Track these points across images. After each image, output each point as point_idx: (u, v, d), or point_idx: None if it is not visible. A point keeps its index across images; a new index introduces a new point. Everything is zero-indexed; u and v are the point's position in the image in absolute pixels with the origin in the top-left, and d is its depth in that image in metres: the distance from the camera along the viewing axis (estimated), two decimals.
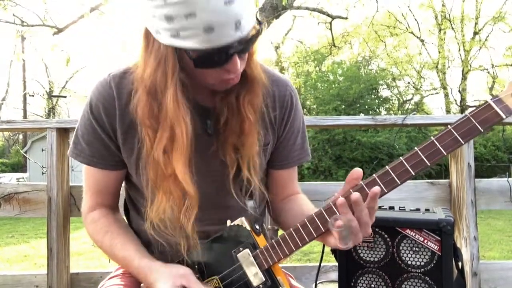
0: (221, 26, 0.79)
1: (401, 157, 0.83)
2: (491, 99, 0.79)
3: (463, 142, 0.80)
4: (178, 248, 0.99)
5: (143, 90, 0.91)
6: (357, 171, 0.87)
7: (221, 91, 0.98)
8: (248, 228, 0.95)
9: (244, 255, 0.94)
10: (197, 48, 0.82)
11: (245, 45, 0.87)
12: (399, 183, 0.83)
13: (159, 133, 0.91)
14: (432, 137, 0.81)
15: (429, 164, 0.81)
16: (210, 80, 0.92)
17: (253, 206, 1.11)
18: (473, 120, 0.79)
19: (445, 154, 0.80)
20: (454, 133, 0.80)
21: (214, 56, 0.84)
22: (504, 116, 0.77)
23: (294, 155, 1.14)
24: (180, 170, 0.90)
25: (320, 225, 0.88)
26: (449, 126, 0.81)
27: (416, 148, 0.83)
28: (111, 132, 1.01)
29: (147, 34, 0.89)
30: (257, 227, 0.97)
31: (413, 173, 0.82)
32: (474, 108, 0.81)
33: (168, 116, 0.89)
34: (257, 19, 0.88)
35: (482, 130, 0.78)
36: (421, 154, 0.82)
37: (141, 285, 1.01)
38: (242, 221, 0.96)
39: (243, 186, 1.03)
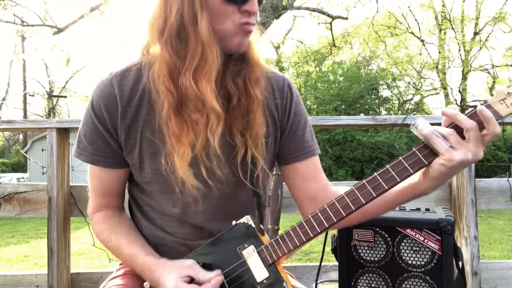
0: None
1: (400, 157, 0.88)
2: (481, 104, 0.86)
3: None
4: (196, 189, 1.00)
5: (168, 32, 0.94)
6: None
7: (228, 75, 1.01)
8: (254, 226, 0.97)
9: (249, 251, 0.96)
10: None
11: None
12: (399, 180, 0.88)
13: (186, 66, 0.94)
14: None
15: (426, 163, 0.87)
16: (229, 25, 0.96)
17: (257, 201, 1.12)
18: None
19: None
20: None
21: None
22: None
23: (306, 146, 1.13)
24: (210, 90, 0.94)
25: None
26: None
27: (414, 148, 0.88)
28: (112, 130, 1.02)
29: None
30: (262, 226, 0.99)
31: (412, 171, 0.87)
32: (468, 111, 0.87)
33: (199, 42, 0.93)
34: None
35: None
36: (418, 154, 0.87)
37: (144, 284, 1.01)
38: (248, 219, 0.98)
39: (248, 168, 1.04)
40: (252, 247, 0.96)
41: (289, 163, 1.13)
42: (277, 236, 0.95)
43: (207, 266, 0.98)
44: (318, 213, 0.91)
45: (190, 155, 0.96)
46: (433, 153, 0.87)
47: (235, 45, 0.99)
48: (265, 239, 0.97)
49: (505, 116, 0.85)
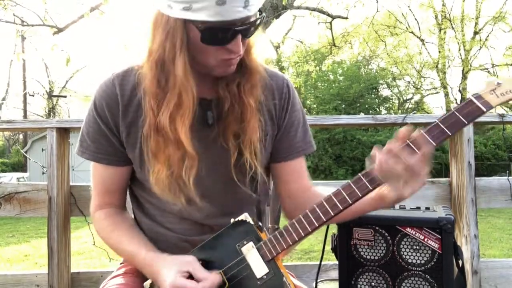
0: (232, 1, 0.86)
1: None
2: (472, 96, 0.88)
3: (450, 134, 0.87)
4: (176, 207, 1.03)
5: (151, 62, 0.95)
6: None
7: (222, 81, 1.02)
8: (252, 222, 0.97)
9: (248, 248, 0.96)
10: (207, 20, 0.87)
11: (249, 27, 0.92)
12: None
13: (166, 100, 0.95)
14: (421, 131, 0.88)
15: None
16: (211, 60, 0.95)
17: (257, 199, 1.13)
18: (457, 114, 0.87)
19: (435, 144, 0.87)
20: (442, 126, 0.87)
21: (221, 32, 0.90)
22: (484, 110, 0.86)
23: (297, 146, 1.15)
24: (184, 133, 0.95)
25: (321, 214, 0.91)
26: (436, 120, 0.88)
27: (407, 140, 0.88)
28: (114, 128, 1.05)
29: (156, 14, 0.94)
30: (260, 224, 0.99)
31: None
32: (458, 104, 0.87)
33: (177, 84, 0.93)
34: (259, 9, 0.94)
35: (466, 123, 0.86)
36: (412, 146, 0.87)
37: (144, 284, 1.01)
38: (246, 216, 0.98)
39: (245, 172, 1.05)
40: (251, 243, 0.96)
41: (278, 162, 1.15)
42: (276, 232, 0.95)
43: (207, 264, 0.99)
44: (316, 207, 0.92)
45: (165, 172, 0.98)
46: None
47: (218, 74, 1.00)
48: (264, 235, 0.98)
49: (495, 106, 0.86)
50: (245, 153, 1.03)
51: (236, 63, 0.98)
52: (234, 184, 1.07)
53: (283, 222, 1.67)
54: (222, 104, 1.03)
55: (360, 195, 0.89)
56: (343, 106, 19.91)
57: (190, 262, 0.95)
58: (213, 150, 1.05)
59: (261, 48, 1.05)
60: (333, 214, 0.91)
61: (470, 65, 21.94)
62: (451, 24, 21.70)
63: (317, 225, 0.91)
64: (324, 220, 0.91)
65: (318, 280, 1.51)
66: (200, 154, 1.00)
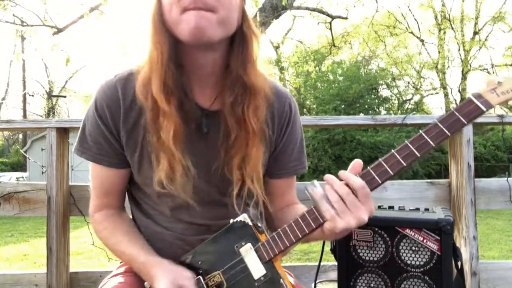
0: None
1: (392, 150, 0.89)
2: (472, 95, 0.86)
3: (449, 134, 0.85)
4: (183, 202, 1.02)
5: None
6: (358, 163, 0.92)
7: (224, 95, 1.01)
8: (251, 224, 0.98)
9: (246, 249, 0.96)
10: None
11: None
12: (392, 173, 0.88)
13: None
14: (420, 131, 0.87)
15: (418, 155, 0.86)
16: (174, 12, 0.90)
17: (255, 212, 1.13)
18: (457, 114, 0.85)
19: (433, 145, 0.86)
20: (440, 126, 0.86)
21: None
22: (484, 109, 0.84)
23: (291, 165, 1.16)
24: (157, 91, 0.94)
25: (318, 216, 0.90)
26: (435, 119, 0.87)
27: (406, 141, 0.88)
28: (114, 131, 1.04)
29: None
30: (259, 225, 0.99)
31: (404, 164, 0.87)
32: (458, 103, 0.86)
33: (148, 40, 0.96)
34: None
35: (466, 123, 0.85)
36: (411, 146, 0.87)
37: (145, 283, 1.02)
38: (244, 217, 0.99)
39: (244, 197, 1.05)
40: (249, 244, 0.96)
41: (269, 177, 1.16)
42: (273, 233, 0.95)
43: (205, 267, 0.99)
44: (313, 208, 0.91)
45: (169, 165, 0.98)
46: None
47: (186, 34, 0.90)
48: (263, 236, 0.98)
49: (495, 105, 0.85)
50: (248, 182, 1.03)
51: (202, 16, 0.88)
52: (231, 206, 1.06)
53: None
54: (227, 134, 1.02)
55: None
56: (343, 106, 19.89)
57: (188, 277, 0.96)
58: (215, 178, 1.05)
59: (264, 64, 1.05)
60: None
61: (470, 66, 21.96)
62: (451, 24, 21.72)
63: (314, 226, 0.91)
64: (322, 221, 0.91)
65: (317, 281, 1.51)
66: (200, 180, 1.02)
